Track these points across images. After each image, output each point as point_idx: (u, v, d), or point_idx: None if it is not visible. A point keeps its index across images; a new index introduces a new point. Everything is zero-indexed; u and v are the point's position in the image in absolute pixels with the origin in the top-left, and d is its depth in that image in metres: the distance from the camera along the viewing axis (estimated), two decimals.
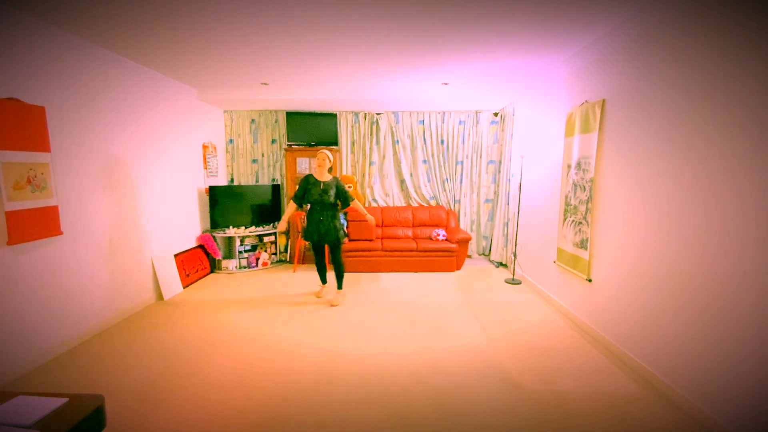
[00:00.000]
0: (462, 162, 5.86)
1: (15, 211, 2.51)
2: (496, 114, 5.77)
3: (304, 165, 5.65)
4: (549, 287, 4.02)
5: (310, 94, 4.97)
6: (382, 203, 6.04)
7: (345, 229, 4.29)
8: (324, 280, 4.24)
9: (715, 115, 2.00)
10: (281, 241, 5.68)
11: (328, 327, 3.37)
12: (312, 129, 5.67)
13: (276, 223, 5.70)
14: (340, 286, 4.09)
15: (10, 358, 2.53)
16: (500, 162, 5.70)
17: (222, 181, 5.78)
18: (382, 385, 2.46)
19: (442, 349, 2.96)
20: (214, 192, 5.15)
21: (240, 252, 5.26)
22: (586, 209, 3.18)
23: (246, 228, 5.37)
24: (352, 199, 3.99)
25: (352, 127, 5.84)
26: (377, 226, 5.67)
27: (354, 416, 2.16)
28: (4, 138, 2.44)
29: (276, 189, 5.75)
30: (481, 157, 5.85)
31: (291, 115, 5.64)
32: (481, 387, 2.44)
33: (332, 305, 3.90)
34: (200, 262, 4.94)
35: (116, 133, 3.50)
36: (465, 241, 5.20)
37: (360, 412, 2.19)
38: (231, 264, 5.22)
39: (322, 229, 3.84)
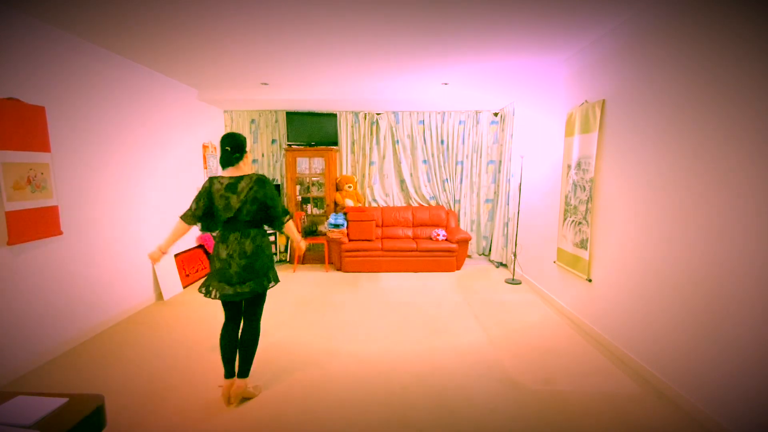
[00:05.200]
0: (462, 162, 5.86)
1: (15, 211, 2.50)
2: (496, 114, 5.77)
3: (304, 165, 5.65)
4: (549, 287, 4.02)
5: (310, 94, 4.97)
6: (382, 203, 6.04)
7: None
8: (230, 372, 2.25)
9: (715, 114, 2.00)
10: (281, 241, 5.68)
11: (329, 327, 3.37)
12: (312, 129, 5.67)
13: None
14: (245, 373, 2.24)
15: (10, 358, 2.53)
16: (500, 162, 5.70)
17: None
18: (382, 385, 2.46)
19: (442, 349, 2.96)
20: None
21: None
22: (586, 209, 3.18)
23: None
24: (289, 216, 2.39)
25: (352, 127, 5.84)
26: (377, 226, 5.67)
27: (354, 416, 2.16)
28: (4, 138, 2.44)
29: (276, 189, 5.74)
30: (481, 157, 5.85)
31: (291, 115, 5.64)
32: (481, 387, 2.44)
33: (247, 397, 2.27)
34: (200, 261, 4.94)
35: (116, 133, 3.50)
36: (465, 241, 5.20)
37: (360, 412, 2.19)
38: None
39: (233, 269, 2.24)
